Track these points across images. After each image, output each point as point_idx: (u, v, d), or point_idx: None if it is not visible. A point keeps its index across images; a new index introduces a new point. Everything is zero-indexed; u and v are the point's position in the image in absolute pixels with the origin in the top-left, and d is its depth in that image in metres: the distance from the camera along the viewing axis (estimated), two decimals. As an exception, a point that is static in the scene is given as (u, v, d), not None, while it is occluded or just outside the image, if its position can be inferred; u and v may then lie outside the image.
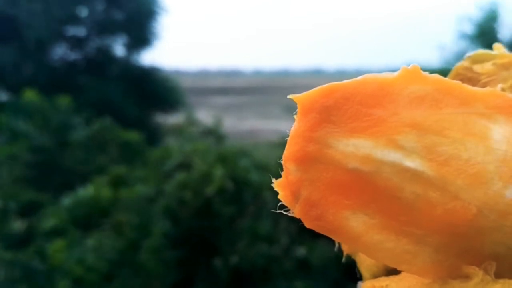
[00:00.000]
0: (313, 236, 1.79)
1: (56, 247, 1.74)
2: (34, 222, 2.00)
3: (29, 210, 2.09)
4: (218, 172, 1.91)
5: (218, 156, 2.11)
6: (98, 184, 2.13)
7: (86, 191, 2.07)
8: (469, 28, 4.36)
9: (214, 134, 3.00)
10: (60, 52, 6.65)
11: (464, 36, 4.34)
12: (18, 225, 1.96)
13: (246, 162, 2.20)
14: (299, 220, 0.23)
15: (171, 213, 1.88)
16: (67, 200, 2.06)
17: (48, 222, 1.95)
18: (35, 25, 5.73)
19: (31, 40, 5.75)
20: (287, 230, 1.87)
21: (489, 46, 0.30)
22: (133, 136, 2.90)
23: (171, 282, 1.80)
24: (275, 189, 0.23)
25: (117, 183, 2.14)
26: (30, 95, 2.93)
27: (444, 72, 0.23)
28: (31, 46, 5.79)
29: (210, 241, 1.86)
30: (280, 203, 0.23)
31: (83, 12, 6.33)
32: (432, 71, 0.23)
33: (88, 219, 2.00)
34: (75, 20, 6.28)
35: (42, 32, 5.76)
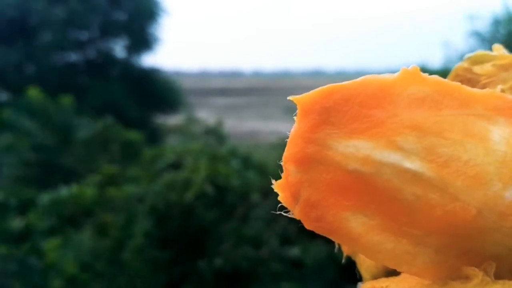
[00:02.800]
0: (308, 237, 1.79)
1: (49, 246, 1.74)
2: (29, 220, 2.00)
3: (29, 208, 2.09)
4: (199, 176, 1.91)
5: (209, 157, 2.11)
6: (85, 183, 2.12)
7: (68, 190, 2.05)
8: (479, 27, 4.34)
9: (215, 134, 3.00)
10: (62, 54, 6.67)
11: (475, 35, 4.30)
12: (16, 222, 1.96)
13: (237, 163, 2.19)
14: (294, 222, 0.23)
15: (156, 213, 1.87)
16: (45, 198, 2.03)
17: (23, 222, 1.93)
18: (49, 29, 5.75)
19: (39, 42, 5.77)
20: (279, 232, 1.87)
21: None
22: (135, 135, 2.91)
23: (162, 283, 1.79)
24: (275, 190, 0.23)
25: (108, 182, 2.13)
26: (33, 93, 2.94)
27: (446, 72, 0.23)
28: (37, 48, 5.81)
29: (198, 241, 1.85)
30: (279, 204, 0.23)
31: (85, 14, 6.35)
32: (432, 71, 0.23)
33: (68, 218, 2.00)
34: (77, 22, 6.30)
35: (57, 36, 5.78)
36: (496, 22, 4.22)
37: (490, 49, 0.30)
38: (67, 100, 3.06)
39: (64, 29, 5.91)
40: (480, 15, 4.35)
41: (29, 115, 2.77)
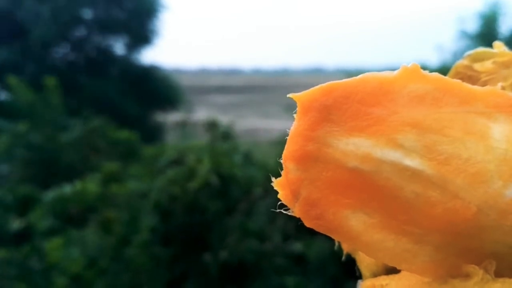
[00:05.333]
0: (311, 232, 1.79)
1: (52, 245, 1.74)
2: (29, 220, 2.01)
3: (29, 208, 2.10)
4: (203, 167, 1.91)
5: (210, 153, 2.11)
6: (88, 181, 2.12)
7: (72, 187, 2.06)
8: (470, 27, 4.38)
9: (225, 135, 3.00)
10: (61, 51, 6.67)
11: (464, 35, 4.35)
12: (16, 224, 1.96)
13: (239, 158, 2.20)
14: (295, 218, 0.23)
15: (161, 209, 1.88)
16: (49, 195, 2.03)
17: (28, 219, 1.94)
18: (38, 25, 5.74)
19: (34, 40, 5.77)
20: (282, 226, 1.87)
21: (490, 45, 0.30)
22: (126, 134, 2.91)
23: (166, 277, 1.80)
24: (275, 188, 0.23)
25: (110, 179, 2.13)
26: (13, 82, 2.96)
27: (442, 71, 0.23)
28: (33, 46, 5.81)
29: (202, 237, 1.86)
30: (279, 202, 0.23)
31: (84, 11, 6.34)
32: (430, 70, 0.23)
33: (71, 215, 2.00)
34: (76, 19, 6.29)
35: (45, 32, 5.78)
36: (483, 20, 4.26)
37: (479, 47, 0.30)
38: (51, 81, 3.06)
39: (57, 23, 5.90)
40: (470, 15, 4.38)
41: (19, 116, 2.78)
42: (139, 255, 1.76)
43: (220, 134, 2.86)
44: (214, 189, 1.89)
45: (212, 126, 3.00)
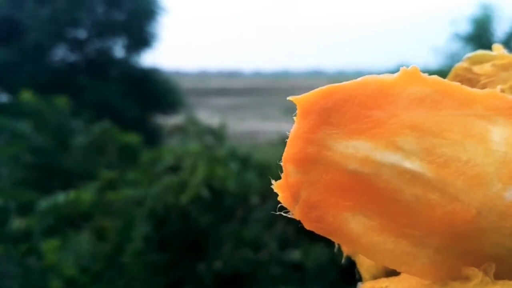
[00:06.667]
0: (308, 239, 1.79)
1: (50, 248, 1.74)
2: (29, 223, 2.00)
3: (28, 211, 2.09)
4: (195, 179, 1.90)
5: (208, 159, 2.10)
6: (83, 189, 2.11)
7: (65, 196, 2.04)
8: (463, 30, 4.40)
9: (216, 135, 2.99)
10: (60, 53, 6.67)
11: (457, 37, 4.36)
12: (17, 223, 1.96)
13: (237, 165, 2.19)
14: (294, 224, 0.23)
15: (156, 217, 1.87)
16: (43, 204, 2.02)
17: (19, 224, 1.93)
18: (36, 27, 5.75)
19: (32, 42, 5.77)
20: (279, 234, 1.87)
21: (483, 48, 0.30)
22: (133, 138, 2.90)
23: (161, 286, 1.79)
24: (275, 190, 0.23)
25: (108, 186, 2.12)
26: (27, 96, 2.94)
27: (439, 73, 0.23)
28: (32, 48, 5.82)
29: (197, 246, 1.85)
30: (279, 205, 0.23)
31: (84, 14, 6.34)
32: (430, 72, 0.23)
33: (66, 222, 2.00)
34: (75, 22, 6.30)
35: (43, 34, 5.78)
36: (475, 23, 4.27)
37: (473, 50, 0.30)
38: (61, 101, 3.05)
39: (56, 25, 5.91)
40: (463, 17, 4.40)
41: (24, 118, 2.77)
42: (133, 263, 1.75)
43: (199, 132, 2.84)
44: (206, 202, 1.88)
45: (190, 124, 2.98)
